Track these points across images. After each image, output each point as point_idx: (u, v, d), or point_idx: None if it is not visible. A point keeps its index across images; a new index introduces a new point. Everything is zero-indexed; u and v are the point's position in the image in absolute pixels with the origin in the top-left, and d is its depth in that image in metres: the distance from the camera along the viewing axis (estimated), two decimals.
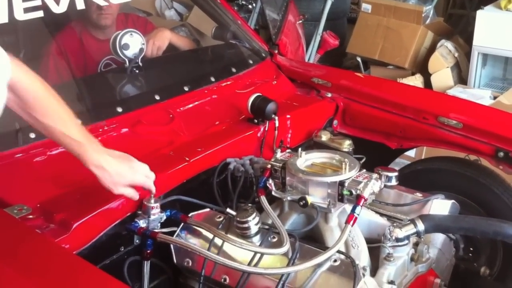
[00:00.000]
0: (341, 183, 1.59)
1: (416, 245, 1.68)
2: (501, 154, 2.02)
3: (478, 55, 4.60)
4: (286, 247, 1.47)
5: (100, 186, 1.63)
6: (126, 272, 1.60)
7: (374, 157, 2.31)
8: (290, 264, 1.46)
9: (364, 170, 1.65)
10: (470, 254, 2.08)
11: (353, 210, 1.55)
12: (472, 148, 2.10)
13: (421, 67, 4.87)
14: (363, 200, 1.56)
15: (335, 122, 2.40)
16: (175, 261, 1.63)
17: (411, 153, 3.84)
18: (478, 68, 4.65)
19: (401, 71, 4.89)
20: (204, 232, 1.62)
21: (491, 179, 2.17)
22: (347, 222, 1.53)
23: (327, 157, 1.74)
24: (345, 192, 1.59)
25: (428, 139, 2.21)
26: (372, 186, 1.58)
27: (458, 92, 4.29)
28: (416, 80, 4.63)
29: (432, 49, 4.84)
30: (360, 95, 2.36)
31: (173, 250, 1.63)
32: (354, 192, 1.57)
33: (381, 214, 1.79)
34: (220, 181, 1.86)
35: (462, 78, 4.82)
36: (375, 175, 1.62)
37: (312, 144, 2.23)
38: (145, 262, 1.64)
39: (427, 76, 4.72)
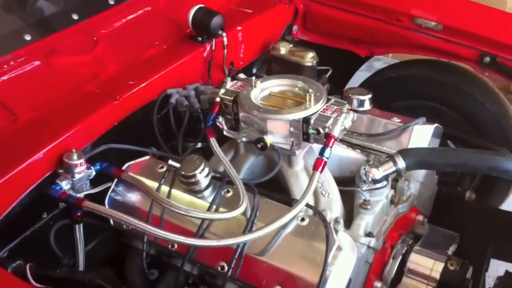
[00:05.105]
0: (306, 120, 1.30)
1: (395, 181, 1.43)
2: (487, 59, 1.79)
3: None
4: (242, 208, 1.20)
5: (7, 145, 1.32)
6: (53, 241, 1.34)
7: (340, 67, 2.05)
8: (247, 230, 1.19)
9: (333, 100, 1.35)
10: None
11: (321, 154, 1.27)
12: (454, 54, 1.87)
13: None
14: (333, 140, 1.28)
15: (295, 28, 2.11)
16: (112, 223, 1.36)
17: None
18: None
19: None
20: (147, 182, 1.33)
21: (474, 84, 1.94)
22: (315, 168, 1.25)
23: (287, 84, 1.43)
24: (311, 131, 1.30)
25: (403, 45, 1.96)
26: (343, 121, 1.29)
27: None
28: None
29: None
30: None
31: None
32: (322, 131, 1.29)
33: (353, 145, 1.53)
34: (162, 117, 1.55)
35: None
36: (345, 106, 1.33)
37: (270, 58, 1.92)
38: (77, 226, 1.36)
39: None
